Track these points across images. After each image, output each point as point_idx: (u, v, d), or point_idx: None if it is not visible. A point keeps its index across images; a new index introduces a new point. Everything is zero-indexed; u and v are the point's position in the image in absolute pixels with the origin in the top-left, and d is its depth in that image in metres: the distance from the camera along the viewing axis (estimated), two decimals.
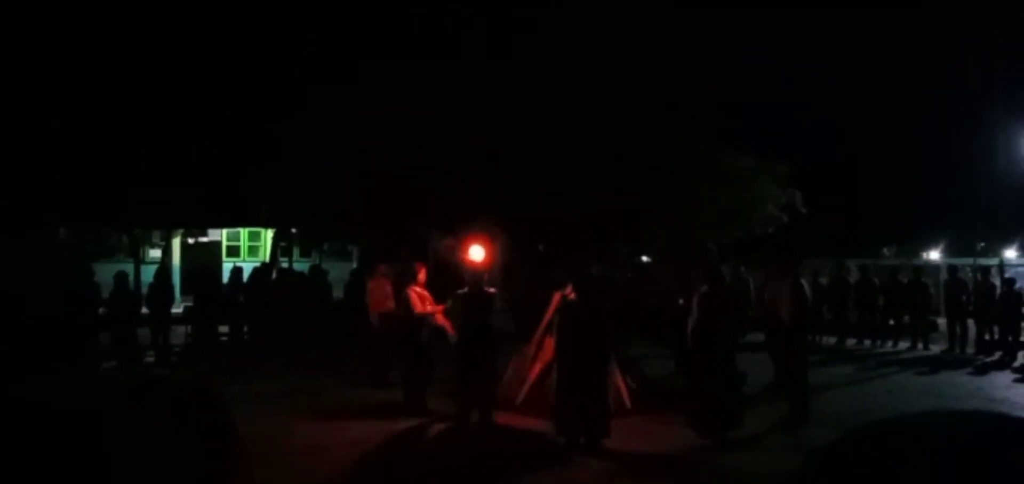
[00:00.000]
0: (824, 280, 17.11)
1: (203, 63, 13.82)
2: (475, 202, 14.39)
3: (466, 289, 8.67)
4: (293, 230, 19.91)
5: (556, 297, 8.97)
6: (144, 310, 14.79)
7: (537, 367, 8.97)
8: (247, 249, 23.93)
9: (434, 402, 9.23)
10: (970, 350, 14.72)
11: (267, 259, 19.80)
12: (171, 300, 15.10)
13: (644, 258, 20.34)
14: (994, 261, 17.68)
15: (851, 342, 16.28)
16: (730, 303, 8.53)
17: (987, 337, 14.67)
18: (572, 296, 7.99)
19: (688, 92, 12.90)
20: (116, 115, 13.82)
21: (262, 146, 14.13)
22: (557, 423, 7.70)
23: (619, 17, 12.63)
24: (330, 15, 13.48)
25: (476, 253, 8.91)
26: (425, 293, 9.60)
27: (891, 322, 16.23)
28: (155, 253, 22.46)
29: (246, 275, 16.09)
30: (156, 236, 22.37)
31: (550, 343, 8.56)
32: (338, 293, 16.94)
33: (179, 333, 15.05)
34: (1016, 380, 11.96)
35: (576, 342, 7.55)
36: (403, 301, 9.59)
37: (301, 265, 20.74)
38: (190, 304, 15.80)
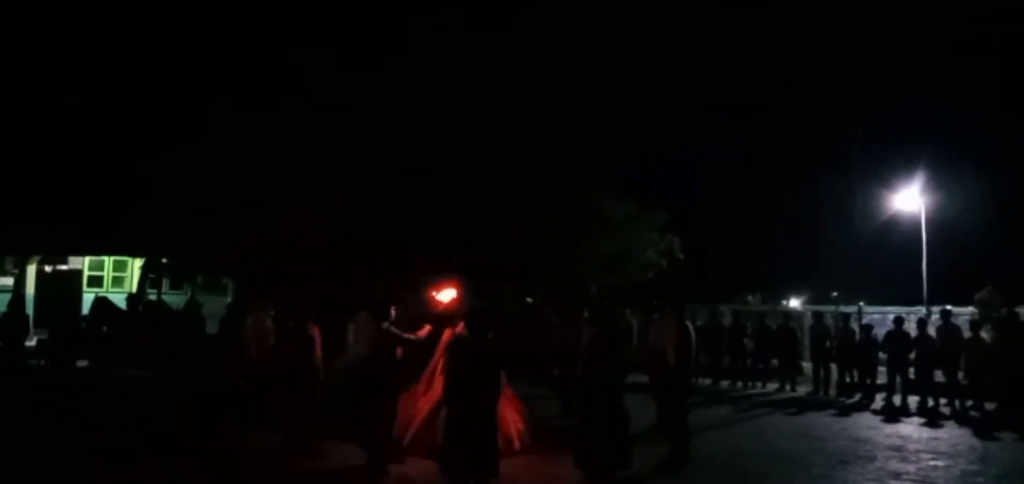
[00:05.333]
0: (700, 324, 17.71)
1: (78, 88, 13.08)
2: (357, 240, 14.10)
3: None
4: (164, 260, 18.92)
5: (446, 333, 8.85)
6: None
7: (426, 406, 8.77)
8: (111, 279, 22.46)
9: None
10: (833, 393, 15.54)
11: (134, 290, 18.69)
12: (25, 332, 13.95)
13: (528, 299, 20.47)
14: (853, 308, 18.77)
15: (724, 384, 16.92)
16: (618, 345, 8.63)
17: (848, 380, 15.53)
18: (463, 332, 7.86)
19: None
20: None
21: (135, 176, 13.42)
22: (444, 464, 7.49)
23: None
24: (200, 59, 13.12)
25: (445, 295, 8.92)
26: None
27: (761, 366, 16.98)
28: (6, 280, 20.76)
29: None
30: (9, 263, 20.70)
31: (440, 381, 8.39)
32: (213, 328, 16.14)
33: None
34: (880, 420, 12.67)
35: (467, 379, 7.39)
36: (304, 338, 9.26)
37: (172, 297, 19.65)
38: (44, 336, 14.67)
